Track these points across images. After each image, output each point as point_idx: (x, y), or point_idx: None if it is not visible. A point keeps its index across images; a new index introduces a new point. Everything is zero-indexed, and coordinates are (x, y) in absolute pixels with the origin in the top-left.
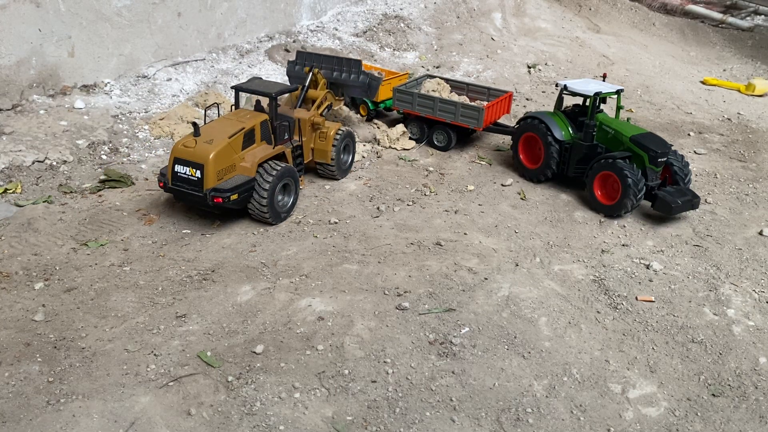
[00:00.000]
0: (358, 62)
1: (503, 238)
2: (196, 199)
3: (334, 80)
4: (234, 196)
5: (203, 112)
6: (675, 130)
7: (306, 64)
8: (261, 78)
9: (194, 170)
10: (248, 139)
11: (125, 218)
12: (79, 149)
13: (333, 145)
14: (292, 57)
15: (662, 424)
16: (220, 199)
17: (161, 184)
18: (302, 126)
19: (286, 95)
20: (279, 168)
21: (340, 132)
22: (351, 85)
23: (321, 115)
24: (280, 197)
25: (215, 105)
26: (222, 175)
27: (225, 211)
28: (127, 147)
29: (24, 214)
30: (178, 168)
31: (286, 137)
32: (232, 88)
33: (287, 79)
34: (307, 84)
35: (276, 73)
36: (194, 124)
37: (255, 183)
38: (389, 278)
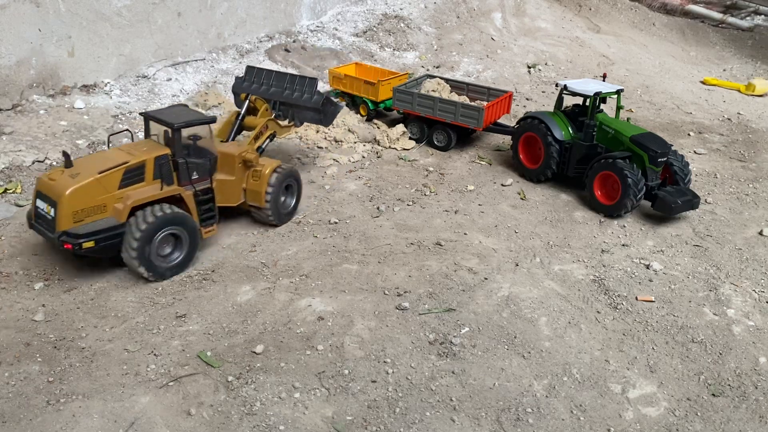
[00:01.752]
0: (313, 80)
1: (503, 238)
2: (49, 240)
3: (284, 100)
4: (88, 244)
5: (107, 139)
6: (675, 130)
7: (255, 80)
8: (186, 106)
9: (50, 207)
10: (132, 176)
11: None
12: (79, 149)
13: (269, 185)
14: (293, 57)
15: (662, 424)
16: (70, 246)
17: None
18: (229, 163)
19: (213, 125)
20: (162, 214)
21: (279, 170)
22: (302, 106)
23: (259, 148)
24: (168, 249)
25: (128, 130)
26: (82, 217)
27: (90, 258)
28: None
29: (24, 214)
30: (39, 203)
31: (195, 177)
32: (140, 114)
33: (233, 96)
34: (242, 112)
35: None
36: (65, 154)
37: (126, 230)
38: (389, 278)
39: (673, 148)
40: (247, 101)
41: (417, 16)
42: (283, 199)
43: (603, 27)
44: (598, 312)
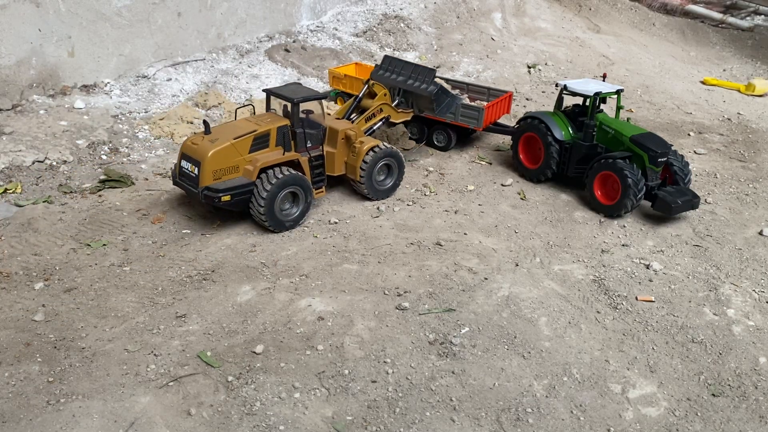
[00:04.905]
0: (432, 71)
1: (503, 238)
2: (193, 195)
3: (405, 88)
4: (225, 198)
5: (234, 112)
6: (675, 130)
7: (389, 69)
8: (300, 84)
9: (194, 167)
10: (260, 142)
11: (125, 218)
12: (79, 149)
13: (364, 161)
14: (292, 57)
15: (662, 424)
16: (211, 198)
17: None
18: (334, 137)
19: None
20: (283, 175)
21: (376, 149)
22: (418, 94)
23: (370, 128)
24: (288, 205)
25: (251, 105)
26: (220, 175)
27: (226, 210)
28: (127, 147)
29: (24, 214)
30: (184, 163)
31: (310, 145)
32: (263, 91)
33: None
34: (360, 95)
35: (276, 73)
36: (205, 123)
37: (254, 187)
38: (389, 278)
39: (673, 148)
40: (366, 85)
41: (417, 16)
42: (381, 177)
43: (603, 27)
44: (598, 312)
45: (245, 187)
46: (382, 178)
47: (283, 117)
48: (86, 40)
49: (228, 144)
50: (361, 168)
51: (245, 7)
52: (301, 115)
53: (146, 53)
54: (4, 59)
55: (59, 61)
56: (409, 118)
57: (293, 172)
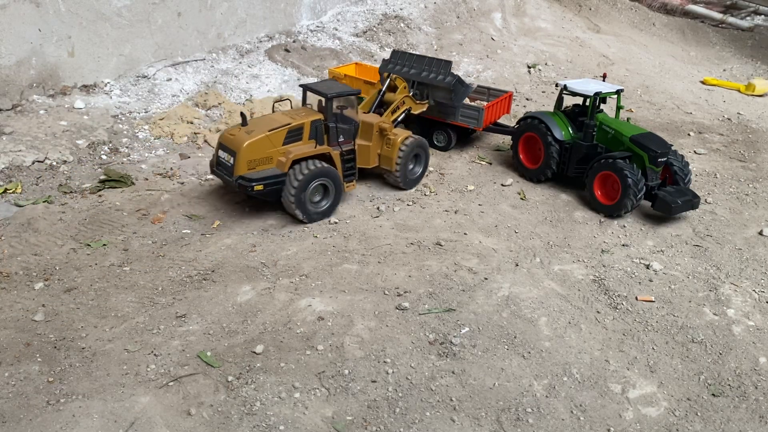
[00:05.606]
0: (448, 63)
1: (503, 238)
2: (229, 183)
3: (421, 80)
4: (258, 187)
5: (272, 105)
6: (675, 130)
7: (399, 62)
8: (335, 80)
9: (230, 157)
10: (293, 135)
11: (125, 218)
12: (79, 149)
13: (399, 152)
14: (292, 57)
15: (662, 424)
16: (245, 187)
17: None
18: (368, 130)
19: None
20: (314, 168)
21: (409, 140)
22: (436, 86)
23: (395, 120)
24: (318, 197)
25: (288, 100)
26: (254, 165)
27: (258, 200)
28: (127, 147)
29: (24, 214)
30: (221, 153)
31: (342, 140)
32: (299, 86)
33: (379, 77)
34: (383, 88)
35: (276, 73)
36: (242, 115)
37: (286, 179)
38: (389, 278)
39: (673, 148)
40: (388, 80)
41: (417, 16)
42: (411, 166)
43: (603, 27)
44: (598, 312)
45: (277, 178)
46: (411, 167)
47: (318, 111)
48: (86, 40)
49: (263, 136)
50: (397, 158)
51: (245, 7)
52: (336, 111)
53: (146, 53)
54: (4, 59)
55: (59, 61)
56: (425, 109)
57: (324, 165)
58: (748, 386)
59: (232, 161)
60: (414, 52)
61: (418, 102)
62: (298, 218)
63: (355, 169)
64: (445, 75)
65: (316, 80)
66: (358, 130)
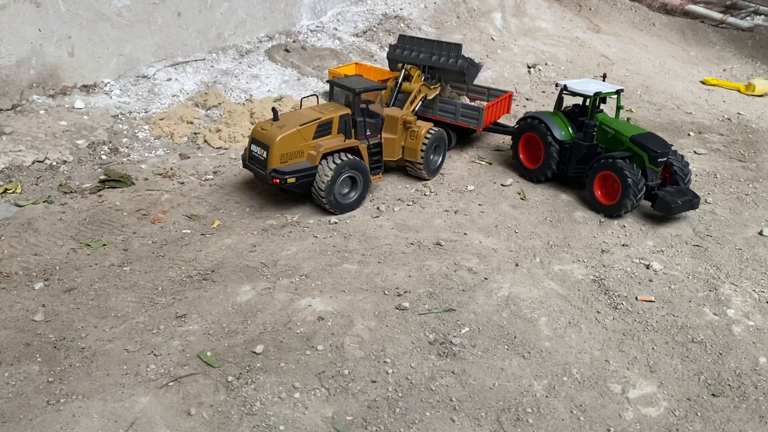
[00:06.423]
0: (458, 46)
1: (503, 238)
2: (261, 176)
3: (432, 64)
4: (291, 180)
5: (299, 101)
6: (675, 130)
7: (407, 47)
8: (361, 76)
9: (263, 150)
10: (323, 129)
11: (125, 218)
12: (79, 149)
13: (423, 144)
14: (292, 57)
15: (662, 424)
16: (278, 180)
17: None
18: (393, 124)
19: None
20: (343, 161)
21: (431, 132)
22: (448, 69)
23: (414, 110)
24: (346, 189)
25: (315, 95)
26: (286, 159)
27: (290, 192)
28: (127, 147)
29: (24, 214)
30: (254, 148)
31: (369, 133)
32: (326, 82)
33: (386, 62)
34: (399, 80)
35: (276, 73)
36: (274, 110)
37: (317, 171)
38: (389, 278)
39: (673, 148)
40: (404, 70)
41: (417, 16)
42: (432, 156)
43: (603, 27)
44: (598, 312)
45: (309, 171)
46: (432, 157)
47: (345, 106)
48: (86, 40)
49: (294, 130)
50: (421, 149)
51: (245, 7)
52: (362, 105)
53: (146, 53)
54: (4, 59)
55: (59, 61)
56: (438, 92)
57: (353, 158)
58: (748, 386)
59: (265, 155)
60: (421, 37)
61: (431, 87)
62: (327, 209)
63: (382, 161)
64: (457, 58)
65: (315, 80)
66: (384, 124)
